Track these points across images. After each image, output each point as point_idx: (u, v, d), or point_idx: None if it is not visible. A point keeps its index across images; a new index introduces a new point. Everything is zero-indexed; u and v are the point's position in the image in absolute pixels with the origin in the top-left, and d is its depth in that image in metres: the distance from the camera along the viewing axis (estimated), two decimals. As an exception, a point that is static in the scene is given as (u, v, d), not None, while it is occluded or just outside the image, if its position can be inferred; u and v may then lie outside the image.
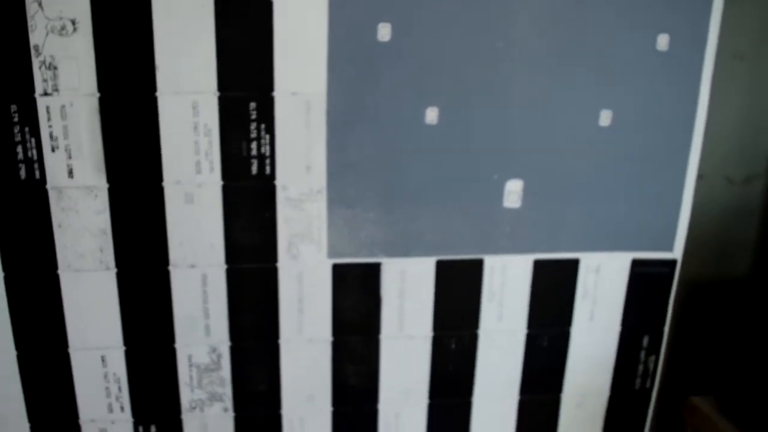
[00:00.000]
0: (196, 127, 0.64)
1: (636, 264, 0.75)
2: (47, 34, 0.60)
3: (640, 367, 0.79)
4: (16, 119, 0.62)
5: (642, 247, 0.74)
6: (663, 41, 0.67)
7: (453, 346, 0.75)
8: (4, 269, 0.66)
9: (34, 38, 0.60)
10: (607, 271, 0.75)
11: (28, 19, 0.59)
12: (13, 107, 0.61)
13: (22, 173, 0.63)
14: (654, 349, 0.79)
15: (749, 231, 0.81)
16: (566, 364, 0.78)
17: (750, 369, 0.76)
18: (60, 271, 0.67)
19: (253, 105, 0.64)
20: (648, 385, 0.80)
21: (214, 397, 0.74)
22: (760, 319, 0.77)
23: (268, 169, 0.66)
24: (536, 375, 0.78)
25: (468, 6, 0.64)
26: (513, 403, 0.79)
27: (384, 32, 0.64)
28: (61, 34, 0.60)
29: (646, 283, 0.76)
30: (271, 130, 0.65)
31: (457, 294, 0.73)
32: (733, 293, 0.82)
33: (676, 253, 0.75)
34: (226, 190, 0.66)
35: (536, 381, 0.78)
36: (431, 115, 0.67)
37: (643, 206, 0.73)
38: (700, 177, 0.76)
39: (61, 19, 0.60)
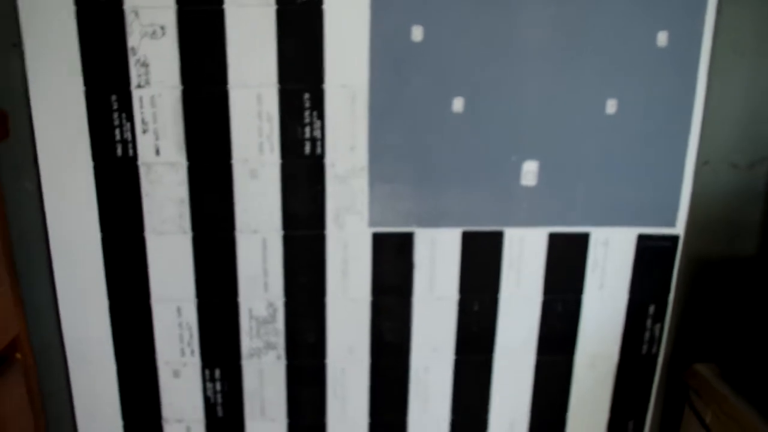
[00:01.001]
0: (259, 115, 0.79)
1: (641, 238, 0.86)
2: (141, 38, 0.76)
3: (647, 334, 0.90)
4: (115, 107, 0.78)
5: (647, 222, 0.86)
6: (662, 38, 0.78)
7: (476, 308, 0.88)
8: (102, 231, 0.82)
9: (131, 41, 0.76)
10: (615, 244, 0.86)
11: (127, 26, 0.75)
12: (113, 97, 0.78)
13: (119, 151, 0.79)
14: (659, 317, 0.89)
15: (755, 213, 0.91)
16: (578, 329, 0.90)
17: (751, 341, 0.85)
18: (146, 234, 0.83)
19: (306, 96, 0.78)
20: (654, 350, 0.91)
21: (269, 346, 0.88)
22: (763, 296, 0.86)
23: (318, 150, 0.80)
24: (551, 337, 0.90)
25: (489, 10, 0.77)
26: (530, 361, 0.91)
27: (417, 33, 0.77)
28: (152, 38, 0.75)
29: (651, 255, 0.87)
30: (321, 116, 0.79)
31: (480, 261, 0.86)
32: (739, 271, 0.92)
33: (678, 228, 0.86)
34: (283, 167, 0.81)
35: (551, 343, 0.90)
36: (458, 104, 0.80)
37: (647, 186, 0.84)
38: (706, 163, 0.87)
39: (152, 25, 0.75)
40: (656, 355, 0.92)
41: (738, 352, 0.88)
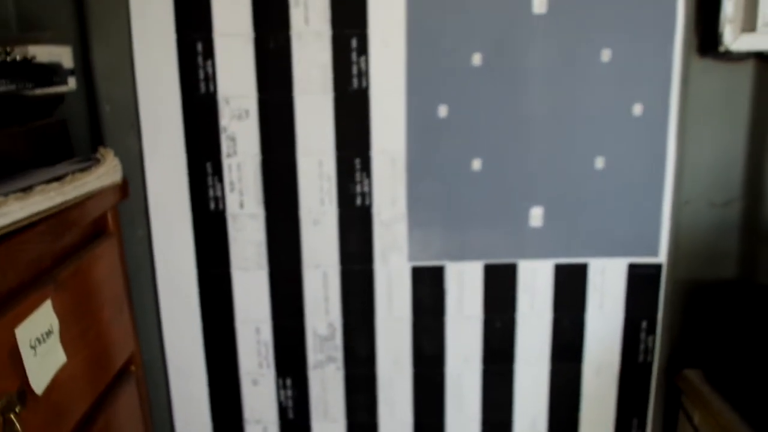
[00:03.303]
0: (320, 175, 1.07)
1: (631, 266, 1.12)
2: (231, 119, 1.05)
3: (642, 345, 1.15)
4: (210, 171, 1.07)
5: (635, 253, 1.12)
6: (638, 109, 1.05)
7: (498, 325, 1.14)
8: (198, 268, 1.11)
9: (223, 122, 1.05)
10: (609, 271, 1.13)
11: (219, 111, 1.04)
12: (208, 164, 1.07)
13: (212, 205, 1.08)
14: (651, 330, 1.15)
15: (732, 242, 1.15)
16: (584, 341, 1.15)
17: (731, 350, 1.08)
18: (232, 270, 1.12)
19: (357, 160, 1.06)
20: (649, 359, 1.16)
21: (330, 359, 1.15)
22: (741, 313, 1.09)
23: (367, 202, 1.08)
24: (561, 349, 1.16)
25: (499, 91, 1.05)
26: (545, 369, 1.17)
27: (443, 111, 1.05)
28: (239, 119, 1.04)
29: (640, 280, 1.13)
30: (369, 176, 1.07)
31: (499, 288, 1.13)
32: (721, 292, 1.16)
33: (661, 257, 1.12)
34: (340, 216, 1.09)
35: (562, 353, 1.16)
36: (476, 164, 1.07)
37: (633, 224, 1.11)
38: (687, 202, 1.12)
39: (239, 110, 1.04)
40: (651, 363, 1.17)
41: (720, 360, 1.11)
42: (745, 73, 1.10)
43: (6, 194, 0.65)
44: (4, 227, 0.61)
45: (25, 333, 0.69)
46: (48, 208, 0.71)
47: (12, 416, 0.63)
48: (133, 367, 1.10)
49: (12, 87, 0.74)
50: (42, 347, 0.72)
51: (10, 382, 0.66)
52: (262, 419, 1.20)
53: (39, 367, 0.71)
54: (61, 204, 0.75)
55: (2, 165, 0.83)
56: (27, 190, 0.68)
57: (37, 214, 0.69)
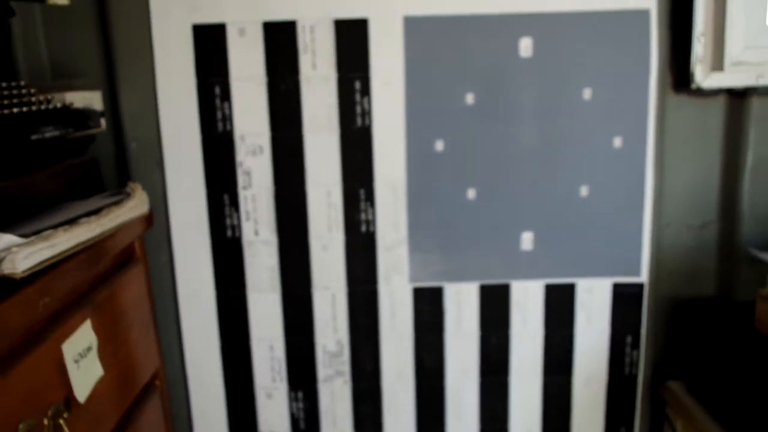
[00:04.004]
0: (328, 205, 1.15)
1: (616, 285, 1.20)
2: (246, 155, 1.13)
3: (627, 359, 1.23)
4: (227, 202, 1.15)
5: (618, 273, 1.20)
6: (618, 141, 1.13)
7: (494, 341, 1.22)
8: (216, 290, 1.19)
9: (239, 157, 1.14)
10: (596, 290, 1.20)
11: (236, 147, 1.13)
12: (226, 196, 1.15)
13: (228, 233, 1.16)
14: (635, 345, 1.22)
15: (710, 262, 1.23)
16: (573, 355, 1.23)
17: (710, 363, 1.15)
18: (247, 292, 1.19)
19: (362, 191, 1.15)
20: (634, 371, 1.23)
21: (338, 373, 1.23)
22: (719, 328, 1.16)
23: (372, 228, 1.16)
24: (553, 362, 1.24)
25: (490, 127, 1.14)
26: (538, 381, 1.24)
27: (439, 145, 1.13)
28: (253, 155, 1.13)
29: (624, 298, 1.21)
30: (373, 205, 1.15)
31: (494, 306, 1.21)
32: (701, 308, 1.23)
33: (643, 277, 1.19)
34: (346, 242, 1.17)
35: (553, 366, 1.24)
36: (471, 193, 1.16)
37: (616, 247, 1.19)
38: (668, 224, 1.19)
39: (254, 146, 1.13)
40: (636, 375, 1.24)
41: (701, 372, 1.18)
42: (717, 107, 1.19)
43: (55, 227, 0.73)
44: (54, 257, 0.70)
45: (70, 349, 0.77)
46: (89, 239, 0.79)
47: (61, 421, 0.71)
48: (157, 382, 1.18)
49: (56, 132, 0.83)
50: (83, 361, 0.80)
51: (59, 391, 0.74)
52: (276, 430, 1.27)
53: (81, 379, 0.79)
54: (99, 235, 0.84)
55: (43, 200, 0.92)
56: (72, 222, 0.77)
57: (80, 244, 0.77)
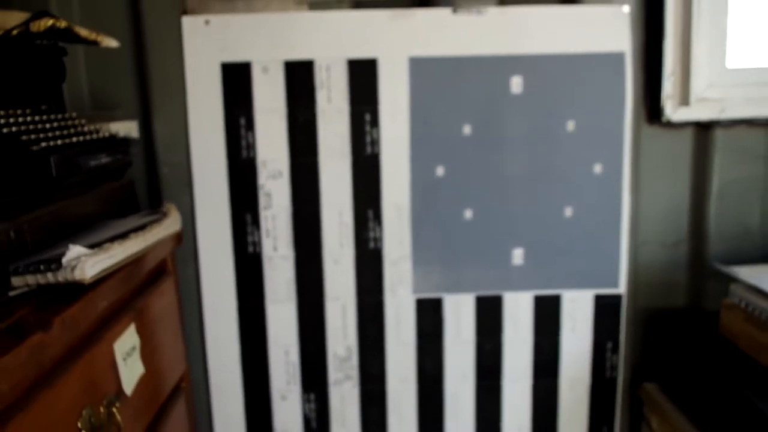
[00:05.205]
0: (340, 224, 1.22)
1: (597, 297, 1.27)
2: (267, 179, 1.20)
3: (608, 363, 1.29)
4: (249, 221, 1.22)
5: (600, 285, 1.27)
6: (598, 168, 1.21)
7: (488, 347, 1.28)
8: (238, 301, 1.24)
9: (260, 180, 1.20)
10: (580, 301, 1.27)
11: (258, 172, 1.19)
12: (248, 215, 1.22)
13: (250, 249, 1.23)
14: (615, 350, 1.28)
15: (682, 277, 1.30)
16: (559, 360, 1.29)
17: (681, 367, 1.21)
18: (266, 303, 1.25)
19: (370, 211, 1.22)
20: (614, 375, 1.30)
21: (347, 377, 1.28)
22: (690, 335, 1.22)
23: (379, 245, 1.23)
24: (541, 367, 1.30)
25: (485, 154, 1.21)
26: (528, 384, 1.30)
27: (440, 171, 1.21)
28: (274, 179, 1.20)
29: (604, 308, 1.27)
30: (380, 223, 1.22)
31: (489, 315, 1.27)
32: (673, 318, 1.30)
33: (621, 289, 1.26)
34: (356, 257, 1.24)
35: (541, 371, 1.30)
36: (468, 214, 1.23)
37: (597, 262, 1.26)
38: (644, 243, 1.26)
39: (274, 171, 1.20)
40: (616, 378, 1.30)
41: (674, 375, 1.24)
42: (686, 137, 1.26)
43: (111, 241, 0.79)
44: (113, 266, 0.76)
45: (120, 348, 0.82)
46: (138, 251, 0.85)
47: (114, 410, 0.76)
48: (183, 384, 1.22)
49: (109, 159, 0.89)
50: (129, 359, 0.85)
51: (112, 384, 0.79)
52: (290, 429, 1.32)
53: (128, 375, 0.84)
54: (145, 248, 0.90)
55: (91, 218, 0.98)
56: (123, 237, 0.83)
57: (131, 256, 0.83)
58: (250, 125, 1.21)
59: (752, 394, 1.01)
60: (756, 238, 1.30)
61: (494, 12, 1.18)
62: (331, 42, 1.19)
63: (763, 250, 1.30)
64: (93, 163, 0.84)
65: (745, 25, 1.26)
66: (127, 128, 1.18)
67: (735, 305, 1.16)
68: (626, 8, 1.19)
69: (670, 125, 1.25)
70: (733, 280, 1.17)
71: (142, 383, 0.92)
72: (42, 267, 0.70)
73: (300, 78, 1.20)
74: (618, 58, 1.20)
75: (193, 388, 1.29)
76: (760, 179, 1.28)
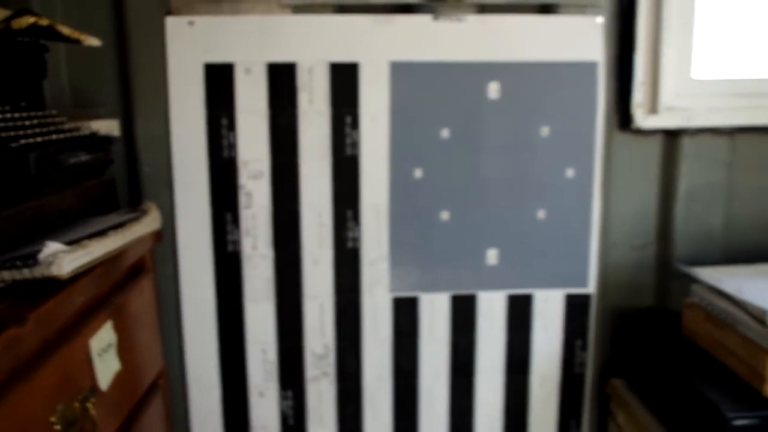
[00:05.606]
0: (319, 224, 1.20)
1: (568, 296, 1.27)
2: (248, 179, 1.18)
3: (577, 359, 1.29)
4: (229, 220, 1.19)
5: (570, 285, 1.27)
6: (570, 173, 1.21)
7: (462, 345, 1.28)
8: (217, 299, 1.22)
9: (241, 180, 1.18)
10: (551, 300, 1.27)
11: (239, 172, 1.18)
12: (228, 215, 1.20)
13: (229, 248, 1.21)
14: (584, 347, 1.29)
15: (649, 277, 1.31)
16: (531, 357, 1.29)
17: (646, 363, 1.22)
18: (245, 301, 1.23)
19: (349, 212, 1.20)
20: (583, 371, 1.30)
21: (324, 374, 1.27)
22: (655, 334, 1.23)
23: (357, 245, 1.21)
24: (513, 363, 1.30)
25: (462, 158, 1.20)
26: (500, 381, 1.30)
27: (418, 173, 1.20)
28: (255, 179, 1.18)
29: (574, 307, 1.28)
30: (359, 224, 1.21)
31: (463, 314, 1.27)
32: (640, 317, 1.31)
33: (590, 289, 1.27)
34: (335, 257, 1.22)
35: (513, 367, 1.30)
36: (444, 215, 1.22)
37: (568, 263, 1.26)
38: (615, 245, 1.27)
39: (255, 171, 1.18)
40: (584, 374, 1.31)
41: (639, 371, 1.25)
42: (655, 144, 1.27)
43: (89, 238, 0.77)
44: (90, 262, 0.74)
45: (96, 344, 0.80)
46: (116, 248, 0.83)
47: (88, 405, 0.74)
48: (161, 381, 1.20)
49: (89, 157, 0.86)
50: (106, 355, 0.83)
51: (87, 380, 0.77)
52: (267, 425, 1.30)
53: (104, 371, 0.82)
54: (123, 246, 0.87)
55: (71, 215, 0.95)
56: (102, 234, 0.80)
57: (109, 252, 0.81)
58: (231, 125, 1.18)
59: (708, 390, 1.02)
60: (719, 241, 1.31)
61: (474, 20, 1.18)
62: (314, 45, 1.17)
63: (725, 253, 1.32)
64: (72, 160, 0.82)
65: (710, 38, 1.28)
66: (108, 127, 1.15)
67: (696, 305, 1.17)
68: (600, 19, 1.20)
69: (640, 132, 1.26)
70: (695, 280, 1.18)
71: (118, 379, 0.90)
72: (18, 263, 0.68)
73: (282, 80, 1.18)
74: (591, 67, 1.21)
75: (170, 385, 1.26)
76: (724, 185, 1.29)
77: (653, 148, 1.28)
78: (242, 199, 1.21)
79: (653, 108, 1.23)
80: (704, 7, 1.25)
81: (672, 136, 1.26)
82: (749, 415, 0.96)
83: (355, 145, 1.20)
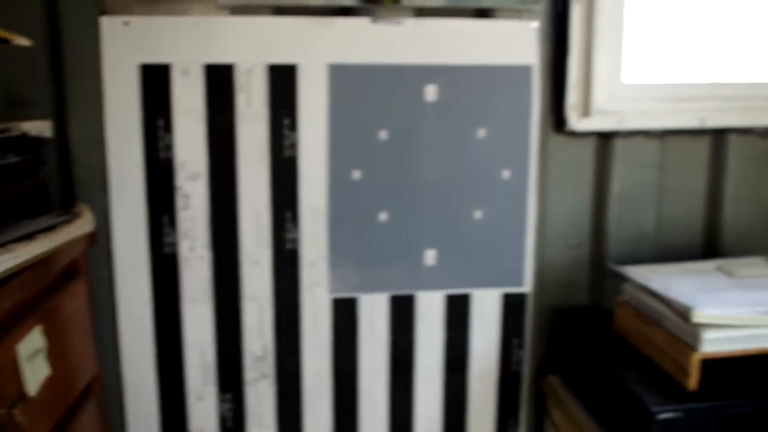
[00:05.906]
0: (258, 225, 1.22)
1: (505, 295, 1.32)
2: (185, 180, 1.19)
3: (514, 357, 1.35)
4: (166, 222, 1.20)
5: (506, 284, 1.32)
6: (506, 174, 1.26)
7: (401, 344, 1.32)
8: (154, 302, 1.23)
9: (178, 182, 1.19)
10: (488, 299, 1.32)
11: (175, 173, 1.18)
12: (165, 216, 1.20)
13: (166, 250, 1.22)
14: (521, 345, 1.35)
15: (584, 276, 1.38)
16: (469, 356, 1.34)
17: (581, 361, 1.28)
18: (182, 303, 1.24)
19: (288, 213, 1.23)
20: (520, 369, 1.36)
21: (263, 376, 1.29)
22: (589, 331, 1.29)
23: (297, 246, 1.24)
24: (452, 362, 1.34)
25: (400, 158, 1.24)
26: (439, 379, 1.34)
27: (356, 174, 1.23)
28: (192, 180, 1.19)
29: (511, 306, 1.33)
30: (297, 225, 1.23)
31: (402, 314, 1.31)
32: (575, 315, 1.38)
33: (526, 288, 1.32)
34: (274, 257, 1.25)
35: (452, 365, 1.34)
36: (383, 216, 1.26)
37: (504, 262, 1.31)
38: (550, 245, 1.33)
39: (192, 172, 1.20)
40: (521, 372, 1.36)
41: (574, 368, 1.31)
42: (588, 146, 1.34)
43: (15, 241, 0.77)
44: (16, 266, 0.74)
45: (24, 348, 0.81)
46: (43, 252, 0.83)
47: (15, 411, 0.75)
48: (95, 386, 1.20)
49: (18, 158, 0.86)
50: (34, 361, 0.84)
51: (13, 386, 0.77)
52: (205, 429, 1.31)
53: (32, 376, 0.83)
54: (53, 249, 0.88)
55: (-2, 217, 0.95)
56: (30, 237, 0.81)
57: (37, 256, 0.81)
58: (168, 127, 1.19)
59: (635, 384, 1.08)
60: (650, 241, 1.38)
61: (412, 23, 1.22)
62: (252, 47, 1.19)
63: (656, 252, 1.39)
64: (1, 162, 0.82)
65: (640, 44, 1.35)
66: (40, 128, 1.14)
67: (627, 303, 1.24)
68: (535, 24, 1.25)
69: (574, 134, 1.32)
70: (626, 279, 1.25)
71: (49, 385, 0.90)
72: (-60, 268, 0.68)
73: (220, 81, 1.19)
74: (526, 70, 1.26)
75: (106, 389, 1.26)
76: (655, 186, 1.36)
77: (587, 150, 1.34)
78: (179, 201, 1.22)
79: (586, 111, 1.29)
80: (634, 14, 1.32)
81: (605, 138, 1.33)
82: (673, 409, 1.02)
83: (294, 146, 1.22)
